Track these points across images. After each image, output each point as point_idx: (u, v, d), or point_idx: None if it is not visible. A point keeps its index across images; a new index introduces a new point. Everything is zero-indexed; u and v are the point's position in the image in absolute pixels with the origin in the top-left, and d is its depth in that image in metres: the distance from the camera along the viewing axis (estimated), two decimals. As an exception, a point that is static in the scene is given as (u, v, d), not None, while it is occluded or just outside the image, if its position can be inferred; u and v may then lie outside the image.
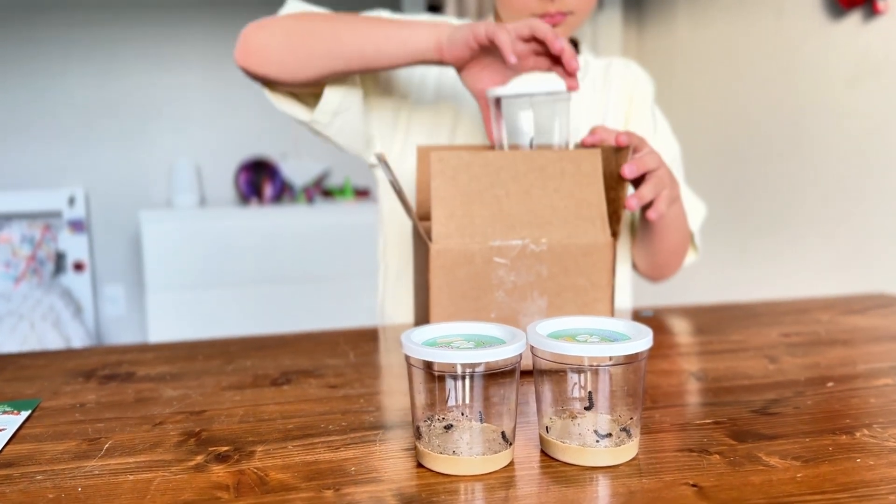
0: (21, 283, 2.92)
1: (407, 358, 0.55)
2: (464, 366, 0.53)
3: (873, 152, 1.83)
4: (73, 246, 3.15)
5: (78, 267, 3.16)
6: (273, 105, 0.97)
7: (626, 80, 1.12)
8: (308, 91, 0.97)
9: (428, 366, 0.54)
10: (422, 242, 0.77)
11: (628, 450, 0.55)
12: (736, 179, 2.36)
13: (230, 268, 3.01)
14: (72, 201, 3.11)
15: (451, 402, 0.55)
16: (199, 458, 0.57)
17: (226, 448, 0.59)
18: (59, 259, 3.20)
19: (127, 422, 0.65)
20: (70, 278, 3.16)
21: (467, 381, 0.54)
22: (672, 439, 0.60)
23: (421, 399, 0.56)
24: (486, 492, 0.51)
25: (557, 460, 0.56)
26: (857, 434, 0.60)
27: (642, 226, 1.02)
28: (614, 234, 0.77)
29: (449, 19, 0.95)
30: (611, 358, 0.55)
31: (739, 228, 2.34)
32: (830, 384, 0.72)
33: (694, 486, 0.51)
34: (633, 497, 0.50)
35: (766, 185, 2.21)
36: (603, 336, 0.57)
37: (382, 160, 0.78)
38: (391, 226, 1.09)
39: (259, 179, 3.20)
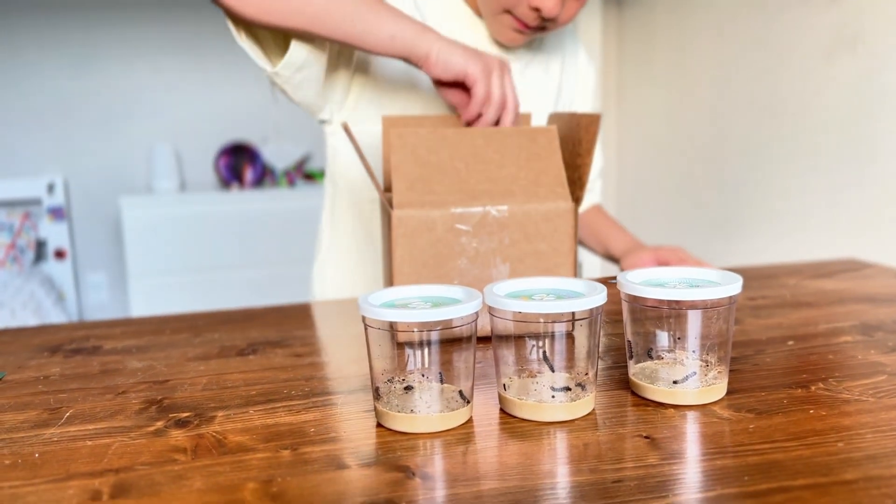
0: (0, 271, 2.90)
1: (364, 319, 0.56)
2: (421, 325, 0.54)
3: (849, 125, 1.84)
4: (54, 233, 3.13)
5: (59, 254, 3.14)
6: (236, 41, 0.90)
7: (582, 69, 1.19)
8: (271, 35, 0.93)
9: (385, 326, 0.55)
10: (385, 212, 0.77)
11: (584, 405, 0.56)
12: (716, 158, 2.37)
13: (212, 252, 3.00)
14: (51, 189, 3.09)
15: (410, 362, 0.55)
16: (159, 424, 0.57)
17: (186, 414, 0.59)
18: (40, 247, 3.18)
19: (90, 392, 0.65)
20: (51, 266, 3.14)
21: (425, 340, 0.55)
22: (630, 395, 0.60)
23: (379, 360, 0.56)
24: (443, 447, 0.52)
25: (516, 417, 0.56)
26: (813, 388, 0.61)
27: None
28: (577, 200, 0.77)
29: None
30: (574, 314, 0.55)
31: (720, 205, 2.35)
32: (791, 343, 0.73)
33: (646, 437, 0.52)
34: (586, 449, 0.51)
35: (745, 162, 2.22)
36: (559, 294, 0.58)
37: (347, 130, 0.78)
38: (343, 192, 1.09)
39: (239, 164, 3.18)
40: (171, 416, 0.59)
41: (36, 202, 3.16)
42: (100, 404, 0.62)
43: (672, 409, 0.57)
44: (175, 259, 2.96)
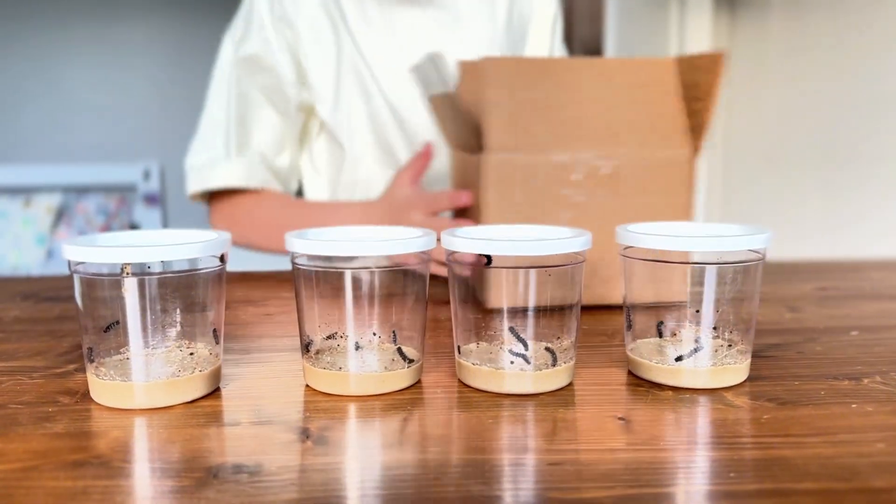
0: (95, 252, 3.00)
1: (293, 258, 0.47)
2: (349, 260, 0.44)
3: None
4: (148, 219, 3.21)
5: (151, 240, 3.23)
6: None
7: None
8: None
9: (316, 262, 0.46)
10: (462, 161, 0.70)
11: (553, 376, 0.45)
12: (829, 160, 2.15)
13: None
14: (147, 175, 3.18)
15: (345, 311, 0.46)
16: (71, 367, 0.51)
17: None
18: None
19: (30, 333, 0.59)
20: (143, 251, 3.23)
21: (359, 283, 0.45)
22: (627, 374, 0.48)
23: (311, 309, 0.47)
24: (361, 412, 0.42)
25: (471, 387, 0.46)
26: (865, 380, 0.47)
27: None
28: (697, 149, 0.66)
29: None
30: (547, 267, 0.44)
31: (832, 225, 2.13)
32: (854, 333, 0.58)
33: (622, 419, 0.41)
34: (538, 426, 0.40)
35: (860, 167, 2.00)
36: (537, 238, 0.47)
37: (434, 59, 0.69)
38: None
39: (325, 157, 3.18)
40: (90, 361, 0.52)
41: (131, 188, 3.26)
42: (29, 345, 0.56)
43: (670, 392, 0.45)
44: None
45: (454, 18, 0.95)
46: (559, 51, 1.04)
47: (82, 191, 3.18)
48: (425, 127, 0.92)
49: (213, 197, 0.94)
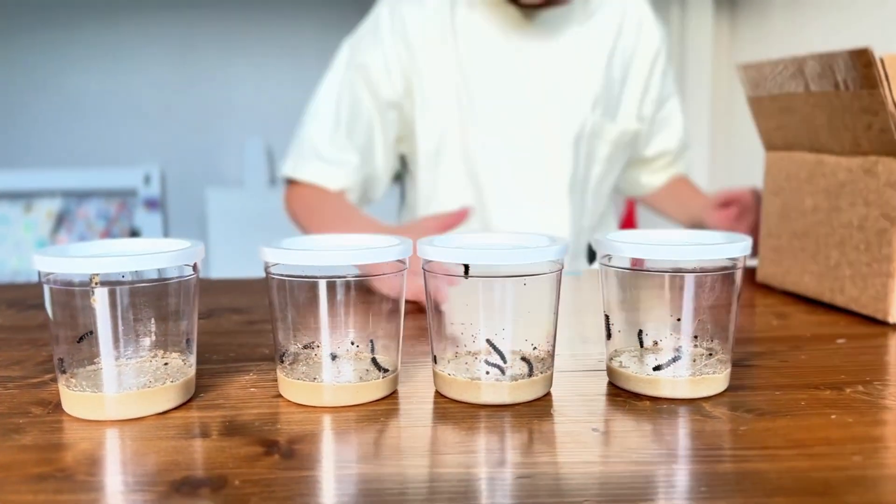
0: (96, 257, 3.00)
1: (266, 268, 0.46)
2: (330, 275, 0.44)
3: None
4: (148, 224, 3.22)
5: (151, 244, 3.23)
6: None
7: (644, 31, 1.05)
8: None
9: (293, 271, 0.45)
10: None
11: (529, 386, 0.44)
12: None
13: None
14: (147, 180, 3.18)
15: (318, 320, 0.45)
16: (47, 377, 0.50)
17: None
18: (133, 236, 3.28)
19: (10, 342, 0.59)
20: (144, 255, 3.23)
21: (330, 291, 0.45)
22: (607, 384, 0.48)
23: (283, 319, 0.46)
24: (336, 424, 0.41)
25: (447, 398, 0.45)
26: (848, 390, 0.46)
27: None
28: None
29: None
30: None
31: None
32: (841, 340, 0.58)
33: (597, 430, 0.40)
34: (513, 438, 0.39)
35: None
36: (514, 247, 0.46)
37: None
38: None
39: (325, 161, 3.18)
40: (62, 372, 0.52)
41: (132, 193, 3.26)
42: (8, 354, 0.56)
43: (648, 402, 0.44)
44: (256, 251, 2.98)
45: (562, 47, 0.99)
46: (656, 87, 1.05)
47: (83, 195, 3.19)
48: (508, 159, 0.98)
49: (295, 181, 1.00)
